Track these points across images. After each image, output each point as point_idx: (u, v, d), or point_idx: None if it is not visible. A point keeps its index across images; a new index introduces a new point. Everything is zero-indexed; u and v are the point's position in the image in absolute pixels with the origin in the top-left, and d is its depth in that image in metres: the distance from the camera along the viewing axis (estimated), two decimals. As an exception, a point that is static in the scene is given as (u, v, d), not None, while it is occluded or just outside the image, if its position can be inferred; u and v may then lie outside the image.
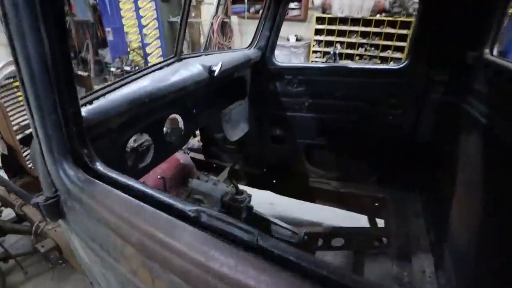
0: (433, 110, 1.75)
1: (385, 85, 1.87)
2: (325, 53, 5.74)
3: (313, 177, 2.27)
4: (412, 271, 1.50)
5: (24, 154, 1.99)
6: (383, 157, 2.01)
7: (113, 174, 0.73)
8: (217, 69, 1.37)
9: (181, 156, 1.95)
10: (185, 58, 1.47)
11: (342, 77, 1.96)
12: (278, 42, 2.07)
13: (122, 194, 0.65)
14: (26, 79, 0.65)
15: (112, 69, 4.17)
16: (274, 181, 2.36)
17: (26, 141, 2.03)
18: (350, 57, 5.72)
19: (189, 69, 1.33)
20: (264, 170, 2.38)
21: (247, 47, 1.98)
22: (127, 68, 4.12)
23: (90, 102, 0.93)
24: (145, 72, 1.23)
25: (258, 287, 0.44)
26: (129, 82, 1.10)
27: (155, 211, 0.59)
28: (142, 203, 0.62)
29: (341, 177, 2.20)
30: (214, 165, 2.45)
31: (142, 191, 0.65)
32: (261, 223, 1.70)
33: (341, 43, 5.70)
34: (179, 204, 0.60)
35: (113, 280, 0.78)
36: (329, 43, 5.76)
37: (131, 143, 1.77)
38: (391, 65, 1.89)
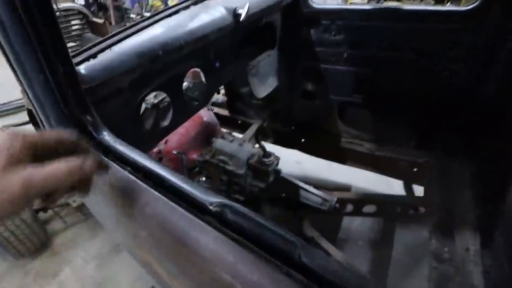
0: (504, 64, 1.43)
1: (445, 33, 1.53)
2: (367, -7, 4.99)
3: (346, 137, 2.09)
4: (454, 247, 1.37)
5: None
6: (429, 117, 1.76)
7: (122, 148, 0.62)
8: (243, 12, 1.15)
9: (204, 113, 1.83)
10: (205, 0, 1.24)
11: (391, 21, 1.63)
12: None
13: (132, 177, 0.54)
14: (2, 35, 0.52)
15: (132, 15, 3.93)
16: (303, 139, 2.21)
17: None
18: (397, -3, 4.92)
19: (210, 13, 1.12)
20: (293, 127, 2.22)
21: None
22: (147, 14, 3.86)
23: (93, 56, 0.79)
24: (157, 17, 1.04)
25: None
26: (139, 30, 0.93)
27: (168, 202, 0.48)
28: (154, 191, 0.51)
29: (377, 138, 2.00)
30: (239, 122, 2.33)
31: (156, 173, 0.54)
32: (289, 188, 1.61)
33: (387, -21, 4.89)
34: (199, 194, 0.48)
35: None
36: (372, -21, 4.97)
37: (151, 99, 1.65)
38: (456, 7, 1.52)
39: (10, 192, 0.36)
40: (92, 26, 2.08)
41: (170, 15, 1.07)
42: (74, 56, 0.77)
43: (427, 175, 1.80)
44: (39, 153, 0.40)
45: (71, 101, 0.62)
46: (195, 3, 1.18)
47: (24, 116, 2.33)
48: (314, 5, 1.72)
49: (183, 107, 1.17)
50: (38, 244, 1.83)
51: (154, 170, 0.54)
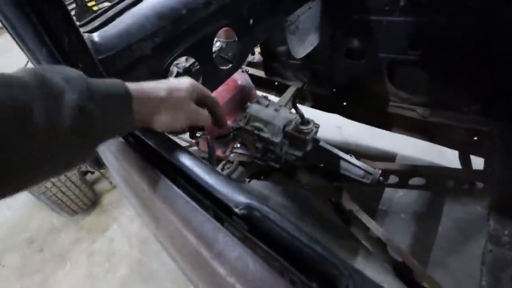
0: None
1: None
2: None
3: (394, 100, 1.86)
4: (516, 230, 1.21)
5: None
6: (499, 78, 1.47)
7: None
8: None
9: (239, 76, 1.72)
10: None
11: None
12: None
13: (149, 165, 0.48)
14: None
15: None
16: (345, 103, 2.03)
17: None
18: None
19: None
20: (334, 90, 2.03)
21: None
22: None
23: (108, 22, 0.70)
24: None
25: None
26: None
27: (188, 201, 0.42)
28: (172, 185, 0.44)
29: (432, 102, 1.75)
30: (276, 84, 2.18)
31: (177, 161, 0.47)
32: (328, 158, 1.51)
33: None
34: (224, 191, 0.41)
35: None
36: None
37: (183, 62, 1.57)
38: None
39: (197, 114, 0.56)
40: None
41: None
42: (85, 24, 0.69)
43: (490, 145, 1.57)
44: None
45: (85, 74, 0.55)
46: None
47: None
48: None
49: (214, 72, 1.07)
50: (88, 202, 1.98)
51: (177, 160, 0.48)
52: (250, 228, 0.38)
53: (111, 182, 2.19)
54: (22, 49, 0.54)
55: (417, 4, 1.48)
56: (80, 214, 2.06)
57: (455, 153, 1.73)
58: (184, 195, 0.43)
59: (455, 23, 1.45)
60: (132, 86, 0.48)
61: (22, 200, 2.28)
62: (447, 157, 1.85)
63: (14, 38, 0.52)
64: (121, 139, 0.56)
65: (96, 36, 0.66)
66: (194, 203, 0.41)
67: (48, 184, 1.63)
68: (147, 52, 0.75)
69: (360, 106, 1.99)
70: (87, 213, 2.11)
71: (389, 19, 1.57)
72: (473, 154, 1.72)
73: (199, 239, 0.38)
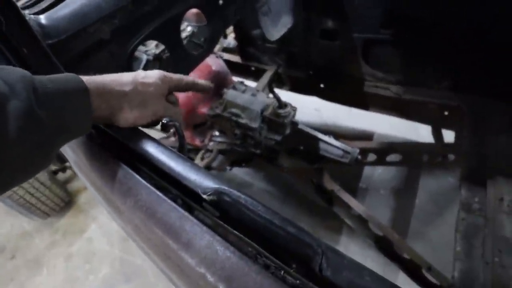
0: None
1: None
2: None
3: (370, 80, 1.88)
4: (486, 197, 1.27)
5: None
6: (467, 55, 1.51)
7: None
8: None
9: (212, 62, 1.66)
10: None
11: None
12: None
13: (109, 156, 0.45)
14: None
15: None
16: (322, 85, 2.02)
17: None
18: None
19: None
20: (310, 72, 2.02)
21: None
22: None
23: (57, 3, 0.63)
24: None
25: None
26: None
27: (153, 191, 0.39)
28: (135, 175, 0.41)
29: (406, 80, 1.78)
30: (253, 69, 2.14)
31: (141, 150, 0.44)
32: (307, 140, 1.50)
33: None
34: (192, 178, 0.39)
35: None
36: None
37: (153, 49, 1.49)
38: None
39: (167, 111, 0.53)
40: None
41: None
42: (31, 5, 0.62)
43: (460, 119, 1.63)
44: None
45: (32, 61, 0.49)
46: None
47: None
48: None
49: (184, 57, 1.02)
50: (61, 203, 1.89)
51: (141, 147, 0.44)
52: (221, 214, 0.36)
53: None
54: None
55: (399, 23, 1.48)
56: (54, 217, 1.96)
57: (429, 128, 1.79)
58: (148, 185, 0.40)
59: (422, 2, 1.47)
60: (90, 79, 0.43)
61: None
62: (421, 133, 1.91)
63: None
64: None
65: (43, 18, 0.59)
66: (159, 193, 0.38)
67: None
68: (106, 36, 0.69)
69: (337, 87, 1.99)
70: (61, 215, 2.00)
71: (373, 37, 1.57)
72: (444, 128, 1.78)
73: (165, 230, 0.35)
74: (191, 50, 1.08)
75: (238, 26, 1.96)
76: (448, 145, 1.64)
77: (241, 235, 0.33)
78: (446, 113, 1.69)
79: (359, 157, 1.42)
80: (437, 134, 1.79)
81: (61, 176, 2.03)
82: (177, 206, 0.36)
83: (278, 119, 1.43)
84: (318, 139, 1.47)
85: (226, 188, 0.36)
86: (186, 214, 0.36)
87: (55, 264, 1.81)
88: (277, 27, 1.49)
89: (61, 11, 0.61)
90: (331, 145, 1.45)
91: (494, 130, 1.47)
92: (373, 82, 1.86)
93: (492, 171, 1.32)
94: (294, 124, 1.46)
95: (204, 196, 0.36)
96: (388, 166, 1.85)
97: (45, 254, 1.86)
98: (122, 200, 0.41)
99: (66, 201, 1.95)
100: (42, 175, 1.64)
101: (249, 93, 1.55)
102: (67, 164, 1.92)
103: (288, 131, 1.47)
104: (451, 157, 1.60)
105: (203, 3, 1.02)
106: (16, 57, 0.48)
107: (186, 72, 1.10)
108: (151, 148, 0.44)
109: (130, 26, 0.74)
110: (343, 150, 1.43)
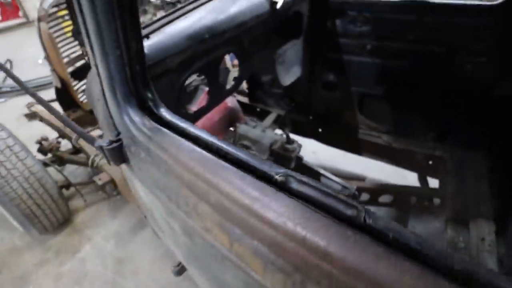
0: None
1: (472, 27, 1.54)
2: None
3: (363, 128, 2.11)
4: (469, 237, 1.42)
5: (76, 87, 2.01)
6: (448, 111, 1.78)
7: (182, 123, 0.66)
8: (279, 0, 1.17)
9: (229, 99, 1.86)
10: (241, -15, 1.26)
11: (418, 15, 1.64)
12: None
13: (198, 148, 0.58)
14: (86, 7, 0.55)
15: None
16: (320, 129, 2.24)
17: (77, 74, 2.03)
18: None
19: (248, 0, 1.14)
20: (310, 117, 2.25)
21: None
22: (167, -2, 3.88)
23: (146, 37, 0.82)
24: (200, 1, 1.06)
25: (376, 275, 0.37)
26: (186, 13, 0.96)
27: (238, 171, 0.52)
28: (221, 161, 0.55)
29: (395, 131, 2.02)
30: (258, 110, 2.36)
31: (219, 146, 0.58)
32: (310, 174, 1.65)
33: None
34: (263, 166, 0.52)
35: (177, 228, 0.78)
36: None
37: (196, 81, 1.68)
38: (480, 2, 1.53)
39: None
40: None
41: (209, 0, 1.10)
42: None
43: (443, 168, 1.84)
44: None
45: (137, 77, 0.65)
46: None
47: (45, 94, 2.37)
48: (342, -4, 1.72)
49: (219, 90, 1.20)
50: (61, 219, 1.88)
51: (219, 144, 0.58)
52: (287, 189, 0.49)
53: (85, 200, 2.12)
54: (93, 53, 0.62)
55: (380, 49, 1.79)
56: (47, 234, 1.92)
57: (415, 175, 1.98)
58: (233, 167, 0.53)
59: (410, 66, 1.77)
60: None
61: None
62: (408, 179, 2.09)
63: (91, 43, 0.60)
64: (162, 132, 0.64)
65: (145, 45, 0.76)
66: (243, 172, 0.51)
67: (24, 196, 1.55)
68: (173, 66, 0.87)
69: (334, 133, 2.21)
70: (56, 233, 1.97)
71: (358, 59, 1.86)
72: (430, 176, 1.98)
73: (249, 196, 0.48)
74: (223, 85, 1.27)
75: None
76: (433, 189, 1.82)
77: (306, 204, 0.46)
78: (430, 162, 1.91)
79: (357, 193, 1.57)
80: (422, 181, 1.99)
81: (65, 192, 2.05)
82: (257, 180, 0.50)
83: (285, 153, 1.59)
84: (319, 174, 1.62)
85: (292, 172, 0.50)
86: (266, 185, 0.49)
87: (43, 283, 1.75)
88: (289, 75, 1.73)
89: (152, 43, 0.79)
90: (331, 180, 1.59)
91: (474, 177, 1.68)
92: (366, 130, 2.09)
93: (473, 214, 1.49)
94: (299, 158, 1.62)
95: (276, 177, 0.50)
96: (379, 208, 2.00)
97: (33, 272, 1.80)
98: (213, 179, 0.53)
99: (66, 218, 1.94)
100: (52, 188, 1.68)
101: (260, 129, 1.72)
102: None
103: (293, 164, 1.62)
104: (437, 201, 1.77)
105: (237, 50, 1.24)
106: (132, 73, 0.63)
107: (219, 102, 1.27)
108: (230, 147, 0.58)
109: (190, 61, 0.92)
110: (342, 185, 1.57)
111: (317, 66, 2.00)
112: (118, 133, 0.79)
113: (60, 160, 2.01)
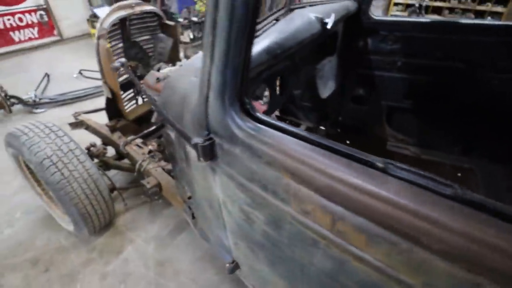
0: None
1: (499, 45, 1.67)
2: (408, 6, 5.11)
3: (391, 141, 2.22)
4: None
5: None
6: (476, 124, 1.89)
7: (277, 122, 0.78)
8: (330, 21, 1.32)
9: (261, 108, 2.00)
10: (295, 9, 1.42)
11: (447, 34, 1.78)
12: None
13: (301, 141, 0.70)
14: (223, 22, 0.68)
15: (180, 19, 4.18)
16: (348, 141, 2.35)
17: (123, 87, 2.20)
18: (437, 11, 5.04)
19: (303, 21, 1.29)
20: (338, 130, 2.37)
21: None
22: (195, 19, 4.10)
23: None
24: (268, 24, 1.21)
25: (484, 237, 0.47)
26: (260, 33, 1.11)
27: (342, 158, 0.63)
28: (325, 151, 0.66)
29: (423, 143, 2.13)
30: (287, 122, 2.48)
31: (318, 139, 0.69)
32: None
33: (429, -7, 4.99)
34: (362, 155, 0.64)
35: (262, 218, 0.88)
36: (414, -6, 5.09)
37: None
38: (507, 22, 1.66)
39: None
40: (163, 27, 2.29)
41: (274, 21, 1.25)
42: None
43: (471, 180, 1.92)
44: None
45: (244, 83, 0.78)
46: (290, 11, 1.36)
47: (79, 106, 2.52)
48: (374, 17, 1.88)
49: (276, 99, 1.34)
50: (108, 221, 1.99)
51: (316, 138, 0.70)
52: (388, 174, 0.60)
53: (126, 204, 2.23)
54: (212, 62, 0.75)
55: (409, 65, 1.92)
56: (91, 235, 2.03)
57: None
58: (337, 155, 0.64)
59: (437, 81, 1.90)
60: None
61: (24, 218, 2.21)
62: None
63: (213, 53, 0.73)
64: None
65: None
66: (349, 160, 0.63)
67: (82, 196, 1.67)
68: (254, 76, 1.00)
69: (362, 144, 2.31)
70: (99, 234, 2.08)
71: (388, 75, 1.99)
72: (458, 188, 2.05)
73: (359, 178, 0.60)
74: (278, 96, 1.40)
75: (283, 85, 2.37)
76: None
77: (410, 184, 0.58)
78: (459, 174, 1.99)
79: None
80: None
81: (110, 196, 2.16)
82: (362, 165, 0.62)
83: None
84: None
85: (393, 161, 0.62)
86: (373, 170, 0.60)
87: (90, 281, 1.84)
88: (326, 89, 1.86)
89: None
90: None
91: (502, 190, 1.75)
92: (394, 142, 2.20)
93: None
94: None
95: (378, 164, 0.61)
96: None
97: (80, 271, 1.89)
98: (318, 165, 0.65)
99: (112, 220, 2.05)
100: (105, 190, 1.80)
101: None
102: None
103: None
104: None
105: (291, 65, 1.38)
106: (242, 79, 0.76)
107: (275, 109, 1.40)
108: (323, 140, 0.70)
109: (262, 72, 1.06)
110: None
111: (348, 81, 2.14)
112: (208, 133, 0.92)
113: (106, 165, 2.14)
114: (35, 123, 1.75)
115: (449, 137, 2.00)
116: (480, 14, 4.78)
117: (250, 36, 0.70)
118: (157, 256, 1.97)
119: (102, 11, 4.52)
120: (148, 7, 2.10)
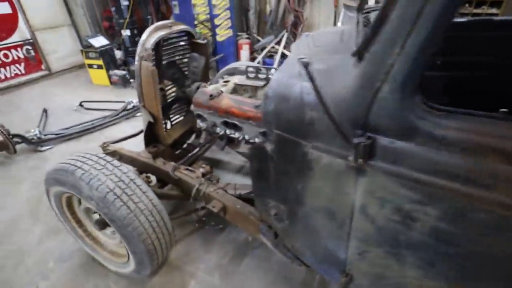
0: None
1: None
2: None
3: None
4: None
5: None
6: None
7: (459, 109, 0.75)
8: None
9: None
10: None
11: (484, 31, 1.90)
12: None
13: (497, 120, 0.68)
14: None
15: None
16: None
17: (164, 111, 2.09)
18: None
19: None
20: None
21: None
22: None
23: None
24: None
25: None
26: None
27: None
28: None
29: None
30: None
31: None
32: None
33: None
34: None
35: (432, 214, 0.81)
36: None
37: None
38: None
39: None
40: (193, 46, 2.24)
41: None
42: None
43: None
44: None
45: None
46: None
47: (88, 139, 2.35)
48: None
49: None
50: (166, 255, 1.80)
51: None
52: None
53: (175, 235, 2.05)
54: (403, 45, 0.71)
55: (448, 64, 2.01)
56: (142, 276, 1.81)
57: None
58: None
59: (474, 77, 1.99)
60: None
61: (59, 267, 1.95)
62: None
63: (402, 38, 0.71)
64: None
65: None
66: None
67: (150, 230, 1.50)
68: None
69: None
70: (153, 274, 1.88)
71: (430, 74, 2.07)
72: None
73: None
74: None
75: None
76: None
77: None
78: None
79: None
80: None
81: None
82: None
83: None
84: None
85: None
86: None
87: (160, 327, 1.63)
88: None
89: None
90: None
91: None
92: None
93: None
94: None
95: None
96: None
97: (144, 318, 1.68)
98: None
99: (169, 253, 1.86)
100: (168, 221, 1.63)
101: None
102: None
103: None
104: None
105: None
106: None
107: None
108: None
109: None
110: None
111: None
112: (363, 133, 0.86)
113: (153, 195, 1.97)
114: (84, 155, 1.58)
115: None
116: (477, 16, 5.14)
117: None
118: (226, 287, 1.80)
119: (96, 41, 4.37)
120: (183, 26, 2.05)
